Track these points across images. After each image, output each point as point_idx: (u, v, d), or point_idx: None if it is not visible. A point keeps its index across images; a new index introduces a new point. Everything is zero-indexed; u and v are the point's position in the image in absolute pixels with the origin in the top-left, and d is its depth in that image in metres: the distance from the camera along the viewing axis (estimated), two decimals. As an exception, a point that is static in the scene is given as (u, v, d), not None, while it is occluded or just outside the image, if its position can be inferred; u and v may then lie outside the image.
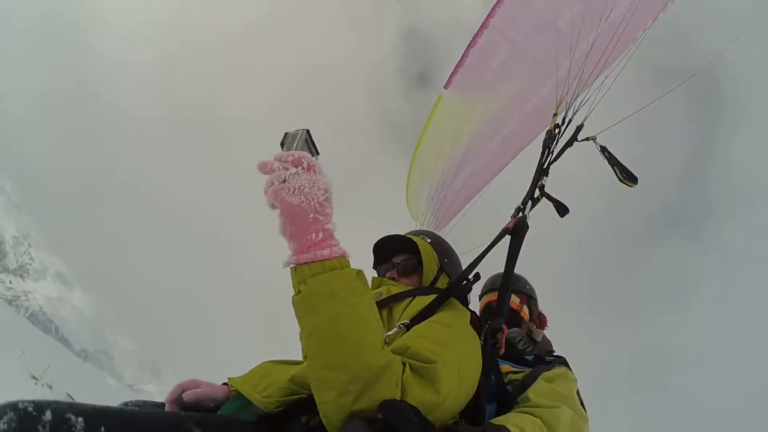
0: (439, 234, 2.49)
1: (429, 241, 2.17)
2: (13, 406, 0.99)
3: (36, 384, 9.79)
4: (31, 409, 0.99)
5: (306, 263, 1.21)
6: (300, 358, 1.84)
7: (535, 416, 1.76)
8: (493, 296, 2.47)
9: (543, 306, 2.86)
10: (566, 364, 2.34)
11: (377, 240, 2.22)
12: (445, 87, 3.89)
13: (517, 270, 2.24)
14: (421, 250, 2.08)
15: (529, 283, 2.88)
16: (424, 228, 3.74)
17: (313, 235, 1.21)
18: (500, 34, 3.62)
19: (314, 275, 1.21)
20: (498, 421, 1.67)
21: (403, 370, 1.30)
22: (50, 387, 10.29)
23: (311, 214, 1.21)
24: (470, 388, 1.57)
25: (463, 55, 3.74)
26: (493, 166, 3.95)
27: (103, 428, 1.03)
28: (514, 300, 2.73)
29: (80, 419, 1.02)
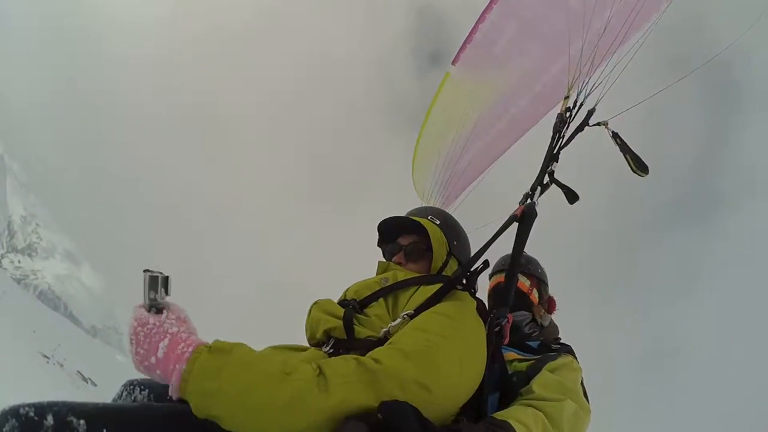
0: (446, 211, 2.44)
1: (437, 222, 2.11)
2: (14, 412, 0.99)
3: (47, 363, 9.93)
4: (32, 414, 0.99)
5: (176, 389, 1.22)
6: (301, 343, 1.83)
7: (538, 410, 1.75)
8: (502, 278, 2.44)
9: (552, 292, 2.83)
10: (572, 353, 2.31)
11: (383, 219, 2.18)
12: (453, 63, 3.80)
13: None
14: (430, 234, 2.02)
15: (540, 266, 2.82)
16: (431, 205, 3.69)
17: (155, 374, 1.23)
18: (510, 9, 3.52)
19: (184, 391, 1.20)
20: (500, 415, 1.65)
21: (368, 363, 1.31)
22: (61, 366, 10.43)
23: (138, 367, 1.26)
24: (474, 380, 1.56)
25: (472, 31, 3.64)
26: (501, 144, 3.87)
27: (104, 430, 1.03)
28: (524, 282, 2.68)
29: (82, 422, 1.02)
